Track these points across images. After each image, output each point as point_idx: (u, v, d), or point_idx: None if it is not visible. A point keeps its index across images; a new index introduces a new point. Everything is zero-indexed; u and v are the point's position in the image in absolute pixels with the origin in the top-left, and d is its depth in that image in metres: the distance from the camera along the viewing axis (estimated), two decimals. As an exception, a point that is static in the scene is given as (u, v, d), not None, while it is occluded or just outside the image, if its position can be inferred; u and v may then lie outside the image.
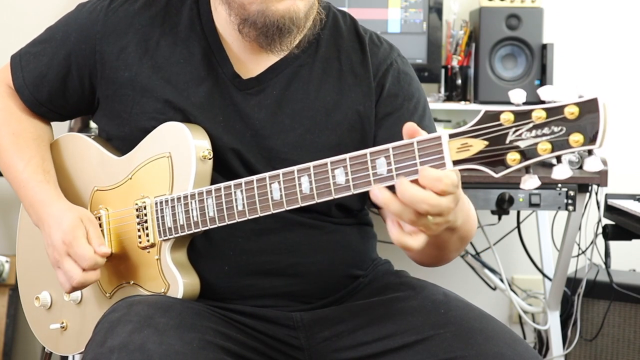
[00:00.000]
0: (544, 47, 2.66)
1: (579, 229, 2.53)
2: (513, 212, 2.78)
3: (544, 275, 2.79)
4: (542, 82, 2.66)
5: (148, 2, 1.55)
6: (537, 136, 1.10)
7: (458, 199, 1.20)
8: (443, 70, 2.75)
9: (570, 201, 2.37)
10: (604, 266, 2.72)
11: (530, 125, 1.10)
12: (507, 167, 1.12)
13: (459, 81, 2.72)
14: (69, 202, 1.53)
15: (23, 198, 1.56)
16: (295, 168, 1.29)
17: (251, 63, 1.51)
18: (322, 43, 1.54)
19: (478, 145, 1.14)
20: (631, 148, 2.94)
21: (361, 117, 1.51)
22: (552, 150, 1.09)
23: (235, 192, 1.37)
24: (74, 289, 1.47)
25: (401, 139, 1.45)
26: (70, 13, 1.60)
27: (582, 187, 2.37)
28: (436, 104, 2.72)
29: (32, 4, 2.87)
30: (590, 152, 1.08)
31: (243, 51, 1.51)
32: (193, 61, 1.51)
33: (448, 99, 2.75)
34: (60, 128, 1.72)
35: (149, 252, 1.47)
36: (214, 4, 1.52)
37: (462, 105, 2.72)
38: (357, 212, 1.55)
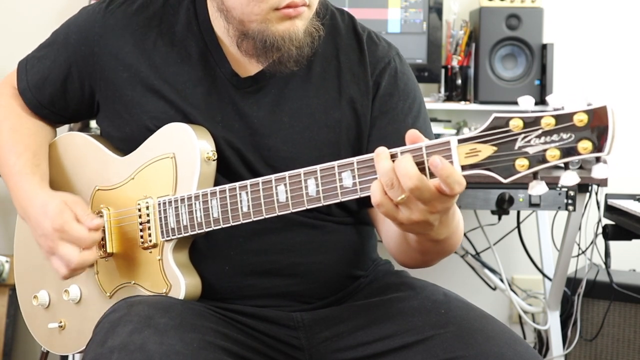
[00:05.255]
0: (544, 47, 2.66)
1: (579, 229, 2.53)
2: (513, 212, 2.78)
3: (544, 275, 2.80)
4: (542, 82, 2.66)
5: (145, 3, 1.55)
6: (545, 143, 1.10)
7: (448, 209, 1.22)
8: (443, 70, 2.75)
9: (570, 201, 2.37)
10: (604, 266, 2.72)
11: (539, 131, 1.11)
12: (516, 172, 1.13)
13: (459, 81, 2.72)
14: (53, 190, 1.52)
15: (11, 191, 1.56)
16: (301, 171, 1.30)
17: (249, 62, 1.51)
18: (321, 41, 1.53)
19: (487, 150, 1.14)
20: (631, 148, 2.95)
21: (358, 115, 1.52)
22: (561, 157, 1.10)
23: (240, 194, 1.37)
24: (73, 271, 1.46)
25: (393, 138, 1.46)
26: (73, 16, 1.61)
27: (582, 187, 2.38)
28: (436, 104, 2.72)
29: (34, 9, 2.87)
30: (598, 159, 1.09)
31: (240, 52, 1.51)
32: (190, 61, 1.51)
33: (448, 99, 2.75)
34: (60, 128, 1.72)
35: (150, 252, 1.48)
36: (211, 8, 1.52)
37: (462, 105, 2.72)
38: (356, 212, 1.55)
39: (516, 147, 1.13)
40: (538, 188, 1.13)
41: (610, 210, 2.43)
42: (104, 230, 1.53)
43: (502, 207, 2.36)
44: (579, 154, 1.09)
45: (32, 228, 1.51)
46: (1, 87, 1.67)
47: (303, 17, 1.42)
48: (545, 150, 1.11)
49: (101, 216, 1.53)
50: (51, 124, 1.67)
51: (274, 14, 1.40)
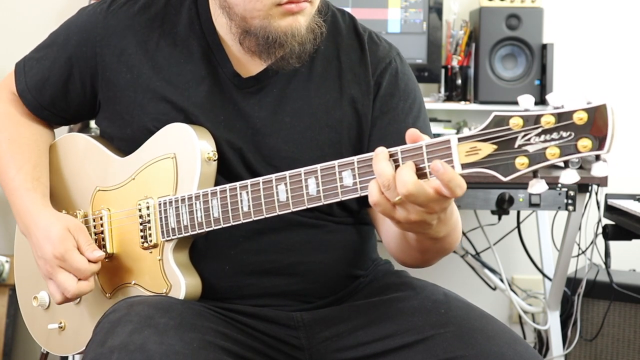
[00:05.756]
0: (544, 47, 2.66)
1: (579, 229, 2.53)
2: (513, 212, 2.78)
3: (544, 275, 2.80)
4: (542, 82, 2.66)
5: (147, 3, 1.55)
6: (545, 141, 1.11)
7: (446, 209, 1.23)
8: (443, 70, 2.75)
9: (570, 201, 2.37)
10: (604, 266, 2.72)
11: (539, 130, 1.11)
12: (516, 171, 1.13)
13: (459, 81, 2.72)
14: (55, 210, 1.53)
15: (12, 205, 1.57)
16: (302, 170, 1.30)
17: (250, 62, 1.51)
18: (323, 38, 1.54)
19: (487, 149, 1.15)
20: (631, 148, 2.95)
21: (359, 115, 1.52)
22: (561, 155, 1.10)
23: (240, 194, 1.37)
24: (67, 300, 1.48)
25: (394, 138, 1.46)
26: (72, 17, 1.61)
27: (582, 187, 2.38)
28: (436, 104, 2.72)
29: (34, 9, 2.87)
30: (598, 158, 1.09)
31: (242, 51, 1.51)
32: (193, 61, 1.51)
33: (448, 99, 2.75)
34: (60, 128, 1.72)
35: (151, 252, 1.48)
36: (213, 7, 1.52)
37: (462, 105, 2.72)
38: (356, 212, 1.55)
39: (516, 146, 1.13)
40: (538, 186, 1.14)
41: (610, 210, 2.43)
42: (103, 231, 1.53)
43: (502, 207, 2.36)
44: (578, 152, 1.09)
45: (32, 246, 1.52)
46: None
47: (305, 13, 1.42)
48: (545, 149, 1.11)
49: (96, 224, 1.53)
50: (50, 127, 1.66)
51: (276, 9, 1.40)
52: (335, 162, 1.27)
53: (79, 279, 1.46)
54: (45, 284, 1.62)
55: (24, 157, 1.58)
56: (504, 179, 1.14)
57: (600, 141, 1.08)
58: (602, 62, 2.95)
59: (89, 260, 1.46)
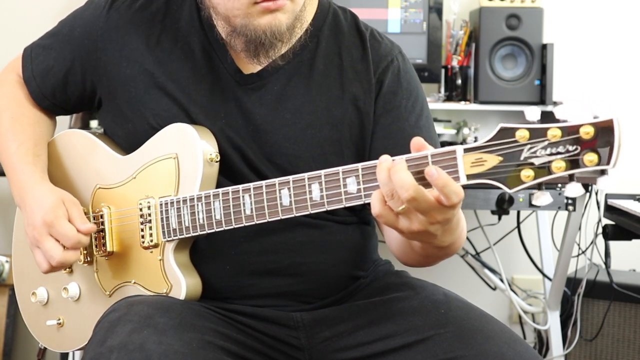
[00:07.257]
0: (544, 47, 2.65)
1: (579, 229, 2.53)
2: (513, 212, 2.78)
3: (544, 275, 2.80)
4: (542, 82, 2.66)
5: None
6: (551, 154, 1.11)
7: (450, 220, 1.22)
8: (443, 70, 2.75)
9: (570, 201, 2.37)
10: (604, 266, 2.72)
11: (545, 143, 1.11)
12: (521, 183, 1.14)
13: (459, 81, 2.72)
14: (53, 185, 1.53)
15: (10, 179, 1.58)
16: (305, 175, 1.30)
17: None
18: (323, 39, 1.54)
19: (492, 160, 1.15)
20: (631, 148, 2.94)
21: (361, 113, 1.52)
22: (566, 169, 1.11)
23: (243, 197, 1.37)
24: (53, 269, 1.48)
25: (397, 137, 1.45)
26: (80, 8, 1.62)
27: (582, 187, 2.37)
28: (436, 104, 2.72)
29: (34, 8, 2.87)
30: (603, 172, 1.09)
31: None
32: (194, 57, 1.52)
33: (448, 99, 2.75)
34: (60, 127, 1.72)
35: (151, 252, 1.48)
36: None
37: (462, 105, 2.72)
38: (359, 210, 1.55)
39: (522, 158, 1.13)
40: (543, 199, 1.14)
41: (610, 210, 2.43)
42: (104, 229, 1.53)
43: (502, 207, 2.36)
44: (584, 166, 1.09)
45: (25, 216, 1.52)
46: (5, 74, 1.68)
47: (285, 10, 1.42)
48: (550, 162, 1.11)
49: (96, 222, 1.53)
50: (52, 115, 1.68)
51: (254, 8, 1.40)
52: (340, 169, 1.27)
53: (66, 249, 1.46)
54: (42, 282, 1.63)
55: (26, 135, 1.60)
56: (509, 191, 1.15)
57: (606, 156, 1.08)
58: (602, 62, 2.95)
59: (78, 231, 1.46)
